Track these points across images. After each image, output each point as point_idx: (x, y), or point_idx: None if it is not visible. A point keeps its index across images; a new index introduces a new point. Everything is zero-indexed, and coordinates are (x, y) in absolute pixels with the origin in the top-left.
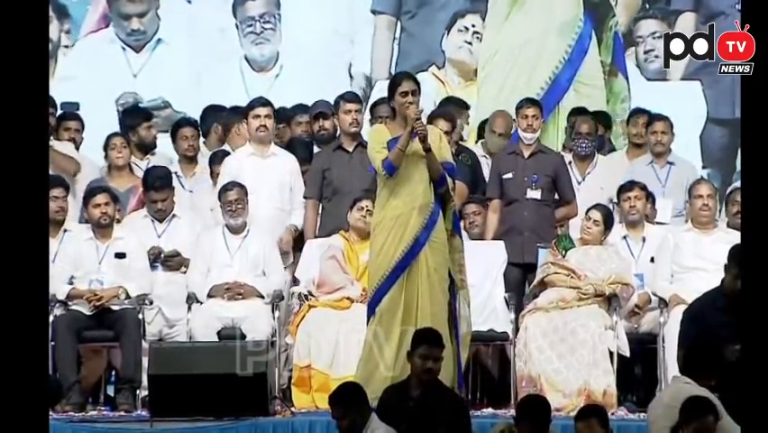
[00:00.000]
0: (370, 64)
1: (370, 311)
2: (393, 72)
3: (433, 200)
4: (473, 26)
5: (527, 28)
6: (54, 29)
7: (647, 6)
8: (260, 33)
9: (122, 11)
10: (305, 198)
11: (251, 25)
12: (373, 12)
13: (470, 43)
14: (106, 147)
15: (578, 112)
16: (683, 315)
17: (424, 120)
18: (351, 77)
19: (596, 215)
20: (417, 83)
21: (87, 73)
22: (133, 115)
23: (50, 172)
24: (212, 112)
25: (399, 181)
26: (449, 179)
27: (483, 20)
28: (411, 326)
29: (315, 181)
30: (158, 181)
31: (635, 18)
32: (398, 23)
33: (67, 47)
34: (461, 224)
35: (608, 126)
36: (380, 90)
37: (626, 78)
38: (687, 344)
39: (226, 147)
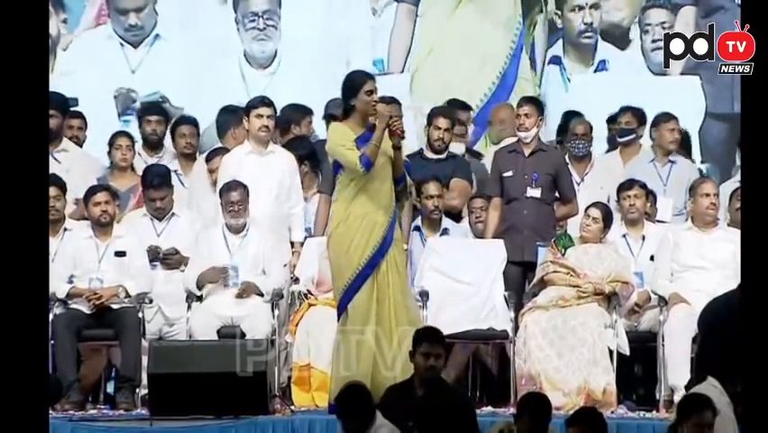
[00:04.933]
0: (387, 54)
1: (341, 310)
2: (408, 64)
3: (395, 198)
4: None
5: (474, 23)
6: (53, 24)
7: None
8: (263, 30)
9: (119, 6)
10: (319, 192)
11: (253, 20)
12: (396, 0)
13: None
14: (111, 145)
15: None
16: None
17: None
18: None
19: (595, 212)
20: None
21: (86, 69)
22: (148, 109)
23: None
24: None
25: (368, 179)
26: (408, 178)
27: None
28: (389, 322)
29: (329, 178)
30: (156, 180)
31: (643, 7)
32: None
33: (65, 41)
34: (469, 219)
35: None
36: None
37: (535, 69)
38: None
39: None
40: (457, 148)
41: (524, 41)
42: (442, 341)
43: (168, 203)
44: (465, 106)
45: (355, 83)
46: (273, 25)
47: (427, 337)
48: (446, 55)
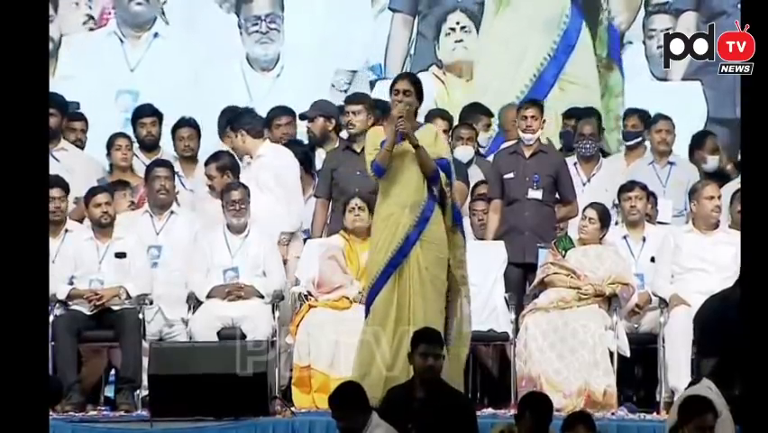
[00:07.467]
0: (384, 60)
1: (366, 311)
2: (405, 71)
3: (426, 198)
4: (458, 23)
5: (513, 24)
6: (54, 28)
7: (654, 2)
8: (266, 33)
9: None
10: (315, 196)
11: (256, 24)
12: (391, 9)
13: (461, 41)
14: (110, 146)
15: (572, 113)
16: (700, 321)
17: (421, 119)
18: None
19: (591, 213)
20: (414, 83)
21: (85, 70)
22: (141, 111)
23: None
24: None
25: (390, 181)
26: (443, 175)
27: (467, 16)
28: (405, 325)
29: (324, 181)
30: (161, 162)
31: (648, 12)
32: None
33: (67, 42)
34: (471, 221)
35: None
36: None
37: (622, 73)
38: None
39: (225, 147)
40: (465, 152)
41: (573, 41)
42: (439, 341)
43: (171, 188)
44: (487, 112)
45: (391, 83)
46: (276, 28)
47: (425, 338)
48: (489, 59)
